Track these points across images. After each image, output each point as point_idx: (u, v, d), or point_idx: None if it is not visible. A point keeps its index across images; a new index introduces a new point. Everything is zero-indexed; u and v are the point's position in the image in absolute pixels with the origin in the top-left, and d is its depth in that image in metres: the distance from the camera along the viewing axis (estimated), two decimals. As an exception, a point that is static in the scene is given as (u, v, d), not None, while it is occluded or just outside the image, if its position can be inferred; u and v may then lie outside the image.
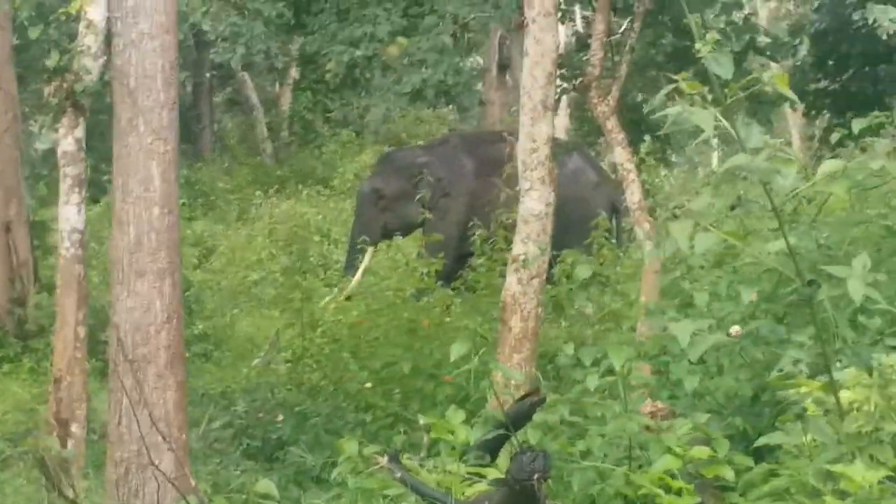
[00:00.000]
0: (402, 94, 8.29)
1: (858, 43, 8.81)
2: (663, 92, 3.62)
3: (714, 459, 4.06)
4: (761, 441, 4.08)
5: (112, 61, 6.54)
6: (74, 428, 7.94)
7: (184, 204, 19.42)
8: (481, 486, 3.96)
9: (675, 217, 8.84)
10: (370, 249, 14.05)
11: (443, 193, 14.16)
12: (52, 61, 7.85)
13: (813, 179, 3.54)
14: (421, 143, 19.37)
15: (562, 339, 9.12)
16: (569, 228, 12.76)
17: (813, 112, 8.52)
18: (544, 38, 7.18)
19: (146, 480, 6.41)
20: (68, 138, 8.06)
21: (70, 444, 7.91)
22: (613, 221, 13.47)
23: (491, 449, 4.22)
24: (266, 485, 4.37)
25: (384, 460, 3.97)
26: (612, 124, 7.33)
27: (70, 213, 8.05)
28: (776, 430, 4.10)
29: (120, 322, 6.49)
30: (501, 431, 4.09)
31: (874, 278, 3.57)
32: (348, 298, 11.63)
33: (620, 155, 7.29)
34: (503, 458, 4.17)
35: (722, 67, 3.49)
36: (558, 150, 16.59)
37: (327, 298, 11.95)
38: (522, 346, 7.27)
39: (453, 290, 11.13)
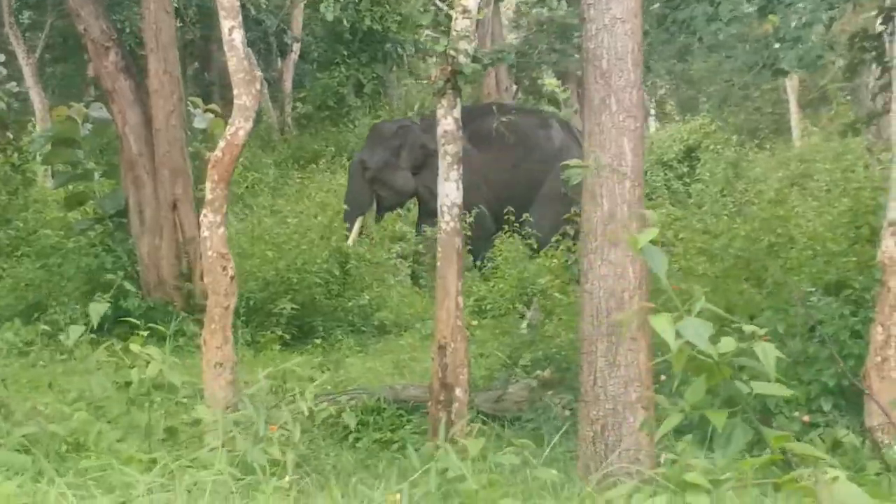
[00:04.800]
0: (775, 69, 8.75)
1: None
2: None
3: None
4: None
5: (584, 45, 6.91)
6: (458, 392, 8.33)
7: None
8: None
9: None
10: (359, 219, 15.07)
11: (427, 153, 15.10)
12: (440, 46, 8.17)
13: None
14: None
15: None
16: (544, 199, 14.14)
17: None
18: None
19: (622, 437, 6.86)
20: (448, 118, 8.38)
21: (454, 406, 8.31)
22: None
23: None
24: None
25: None
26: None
27: (450, 189, 8.37)
28: None
29: (593, 289, 6.88)
30: None
31: None
32: None
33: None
34: None
35: None
36: (539, 118, 17.53)
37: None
38: (901, 305, 7.82)
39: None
